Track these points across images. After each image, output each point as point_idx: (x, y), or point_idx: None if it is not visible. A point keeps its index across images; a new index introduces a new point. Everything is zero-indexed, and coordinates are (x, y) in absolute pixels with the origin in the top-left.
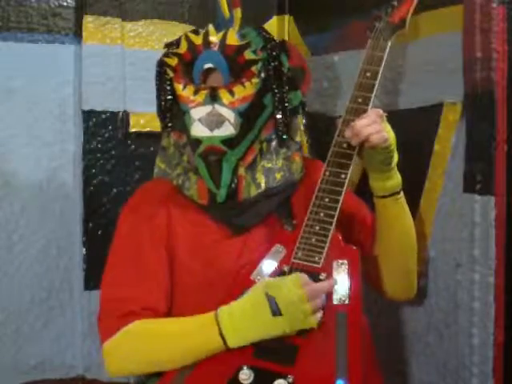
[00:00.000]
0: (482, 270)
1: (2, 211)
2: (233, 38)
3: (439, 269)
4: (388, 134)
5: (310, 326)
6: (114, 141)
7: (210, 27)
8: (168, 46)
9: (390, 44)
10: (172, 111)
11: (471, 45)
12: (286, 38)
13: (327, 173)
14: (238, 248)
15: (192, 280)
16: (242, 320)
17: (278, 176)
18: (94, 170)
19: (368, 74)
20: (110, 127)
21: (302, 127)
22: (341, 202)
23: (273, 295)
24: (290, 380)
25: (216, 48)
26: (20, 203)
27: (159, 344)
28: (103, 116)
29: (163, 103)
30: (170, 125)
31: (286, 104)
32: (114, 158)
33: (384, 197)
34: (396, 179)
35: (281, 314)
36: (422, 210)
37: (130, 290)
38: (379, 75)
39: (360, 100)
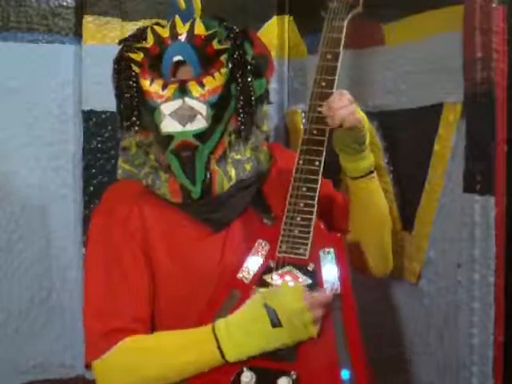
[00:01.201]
0: (482, 270)
1: (1, 211)
2: (200, 28)
3: (439, 269)
4: (359, 114)
5: (309, 336)
6: (114, 141)
7: (177, 18)
8: (123, 41)
9: (346, 24)
10: (138, 109)
11: (471, 45)
12: (286, 38)
13: (301, 161)
14: (220, 246)
15: (174, 283)
16: (241, 333)
17: (248, 167)
18: (93, 170)
19: (329, 57)
20: (110, 127)
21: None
22: (318, 189)
23: (272, 306)
24: (294, 376)
25: (184, 39)
26: (20, 203)
27: (155, 361)
28: (103, 116)
29: (128, 101)
30: (138, 123)
31: (251, 93)
32: (113, 158)
33: (358, 177)
34: (369, 159)
35: (281, 325)
36: (421, 209)
37: (113, 303)
38: (340, 57)
39: (324, 84)
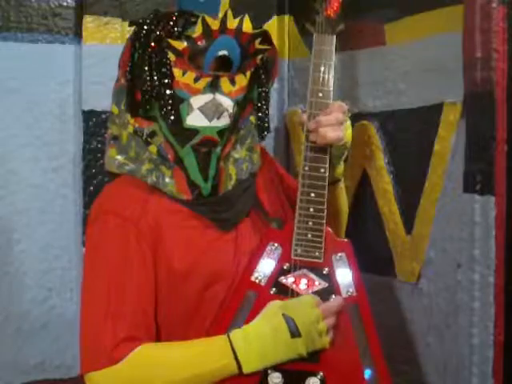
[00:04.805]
0: (482, 270)
1: (2, 211)
2: (248, 26)
3: (439, 269)
4: (347, 130)
5: (322, 347)
6: None
7: (229, 12)
8: (159, 22)
9: (335, 38)
10: (166, 98)
11: (471, 45)
12: (286, 38)
13: (306, 168)
14: (232, 247)
15: (185, 283)
16: (259, 344)
17: (244, 167)
18: (93, 170)
19: (322, 69)
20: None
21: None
22: (326, 195)
23: (291, 316)
24: (320, 377)
25: (232, 35)
26: (20, 203)
27: (169, 373)
28: (103, 116)
29: (162, 89)
30: (173, 113)
31: (269, 94)
32: None
33: (331, 184)
34: (341, 167)
35: (300, 335)
36: (421, 209)
37: (124, 311)
38: (333, 68)
39: (321, 94)
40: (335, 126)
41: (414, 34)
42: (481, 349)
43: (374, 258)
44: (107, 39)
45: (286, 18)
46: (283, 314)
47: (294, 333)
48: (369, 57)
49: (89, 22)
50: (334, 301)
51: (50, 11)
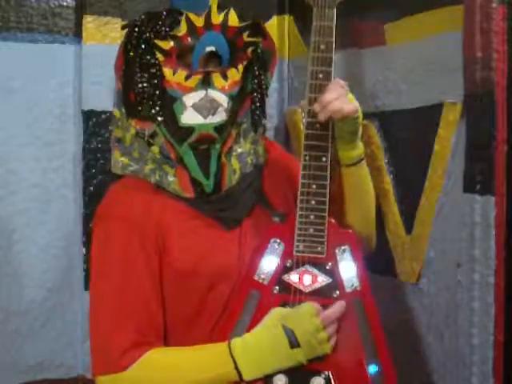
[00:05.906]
0: (482, 270)
1: (2, 211)
2: (234, 20)
3: (439, 269)
4: (353, 102)
5: (323, 353)
6: None
7: (214, 8)
8: (144, 24)
9: (335, 12)
10: (155, 98)
11: (471, 45)
12: (286, 38)
13: (307, 157)
14: (236, 244)
15: (190, 283)
16: (258, 354)
17: (249, 160)
18: (93, 170)
19: (322, 47)
20: (110, 127)
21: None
22: (328, 186)
23: (291, 327)
24: (325, 375)
25: (218, 30)
26: (20, 203)
27: (175, 378)
28: (103, 116)
29: (151, 91)
30: (161, 114)
31: (265, 87)
32: None
33: (350, 165)
34: (361, 147)
35: (299, 346)
36: (421, 209)
37: (132, 315)
38: (333, 46)
39: (321, 76)
40: (343, 98)
41: (414, 34)
42: (481, 349)
43: (374, 258)
44: (107, 39)
45: (286, 17)
46: (283, 326)
47: (293, 344)
48: (369, 57)
49: (89, 21)
50: (335, 307)
51: (50, 11)
